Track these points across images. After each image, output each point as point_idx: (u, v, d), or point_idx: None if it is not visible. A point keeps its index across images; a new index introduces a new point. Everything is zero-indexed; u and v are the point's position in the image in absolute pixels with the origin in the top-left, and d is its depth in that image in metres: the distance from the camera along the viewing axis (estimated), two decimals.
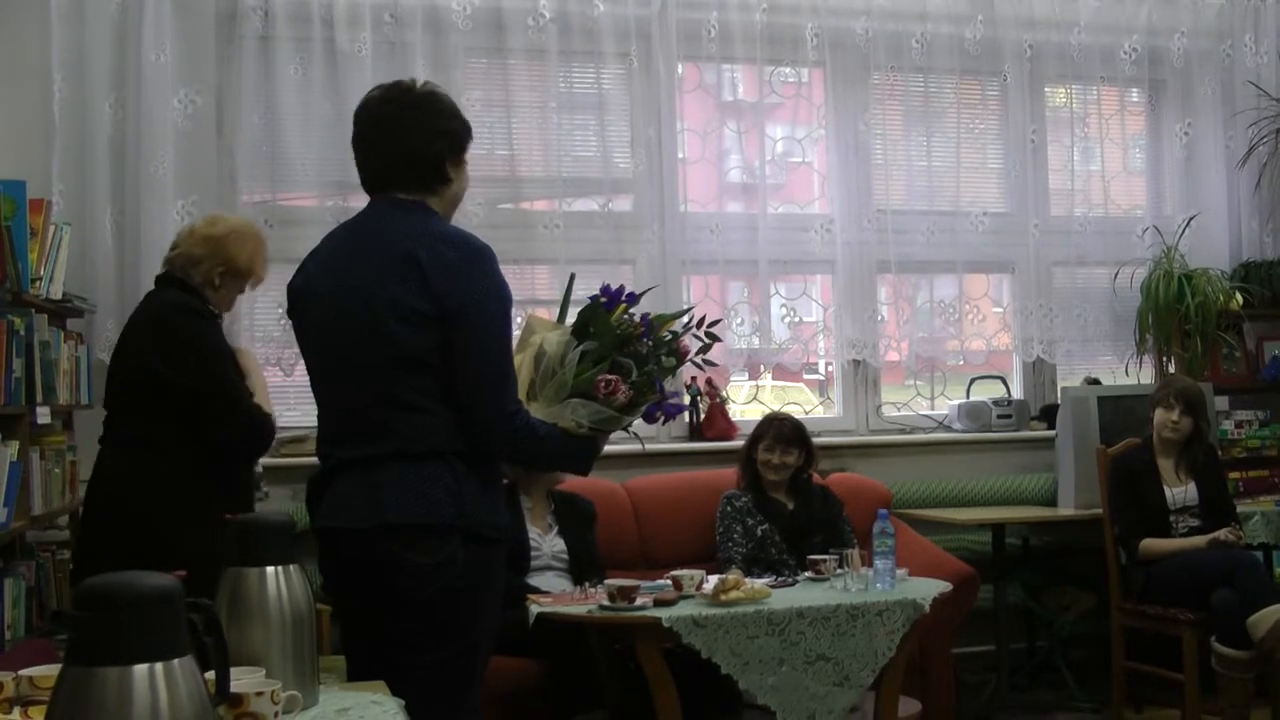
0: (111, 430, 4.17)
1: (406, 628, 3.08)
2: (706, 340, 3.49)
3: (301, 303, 3.32)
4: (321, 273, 3.28)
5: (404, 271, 3.07)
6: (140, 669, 1.59)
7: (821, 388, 7.27)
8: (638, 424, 3.35)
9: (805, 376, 7.26)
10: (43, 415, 4.43)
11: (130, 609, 1.61)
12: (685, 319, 3.46)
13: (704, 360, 3.50)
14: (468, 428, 3.11)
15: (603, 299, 3.29)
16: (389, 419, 3.08)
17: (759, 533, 5.60)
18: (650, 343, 3.31)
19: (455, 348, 3.08)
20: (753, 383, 7.09)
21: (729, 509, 5.69)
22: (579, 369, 3.22)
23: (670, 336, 3.37)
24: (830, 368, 7.14)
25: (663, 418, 3.37)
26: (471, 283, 3.10)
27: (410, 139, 3.21)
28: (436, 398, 3.10)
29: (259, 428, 4.12)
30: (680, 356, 3.38)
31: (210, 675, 1.81)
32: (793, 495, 5.76)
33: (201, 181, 5.65)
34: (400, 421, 3.08)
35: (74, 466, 5.11)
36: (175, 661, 1.62)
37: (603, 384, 3.19)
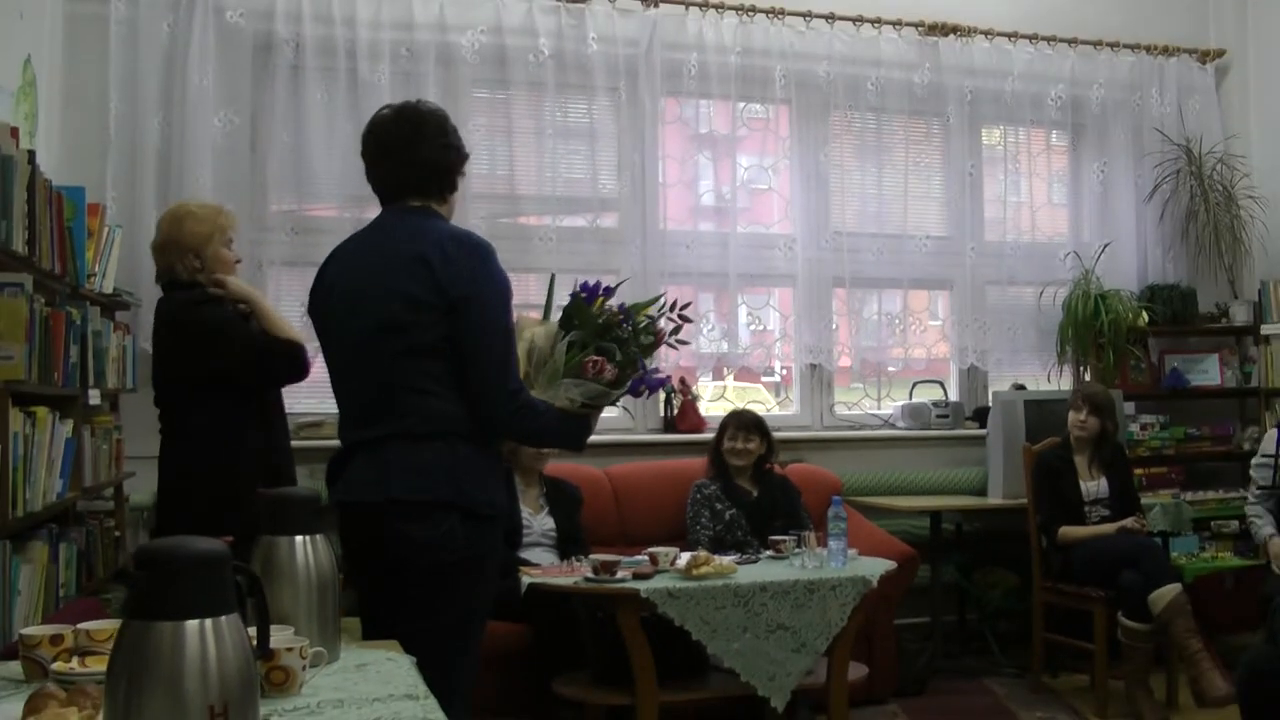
0: (167, 422, 4.08)
1: (412, 594, 3.04)
2: (679, 321, 3.46)
3: (322, 301, 3.29)
4: (341, 274, 3.25)
5: (414, 270, 3.05)
6: (192, 624, 1.55)
7: (778, 388, 7.24)
8: (625, 402, 3.40)
9: (763, 379, 7.24)
10: (94, 397, 4.35)
11: (184, 570, 1.57)
12: (659, 304, 3.44)
13: (676, 340, 3.46)
14: (475, 407, 3.08)
15: (582, 294, 3.29)
16: (398, 403, 3.05)
17: (727, 516, 5.59)
18: (630, 327, 3.30)
19: (462, 334, 3.05)
20: (717, 383, 7.06)
21: (699, 496, 5.67)
22: (568, 355, 3.21)
23: (647, 321, 3.37)
24: (786, 371, 7.12)
25: (647, 391, 3.35)
26: (475, 275, 3.07)
27: (422, 151, 3.19)
28: (444, 383, 3.06)
29: (285, 354, 3.95)
30: (658, 336, 3.36)
31: (252, 631, 1.76)
32: (756, 483, 5.75)
33: (236, 192, 5.58)
34: (408, 405, 3.05)
35: (119, 444, 5.04)
36: (223, 618, 1.58)
37: (590, 364, 3.18)
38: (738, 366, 6.88)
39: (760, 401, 7.12)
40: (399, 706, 2.09)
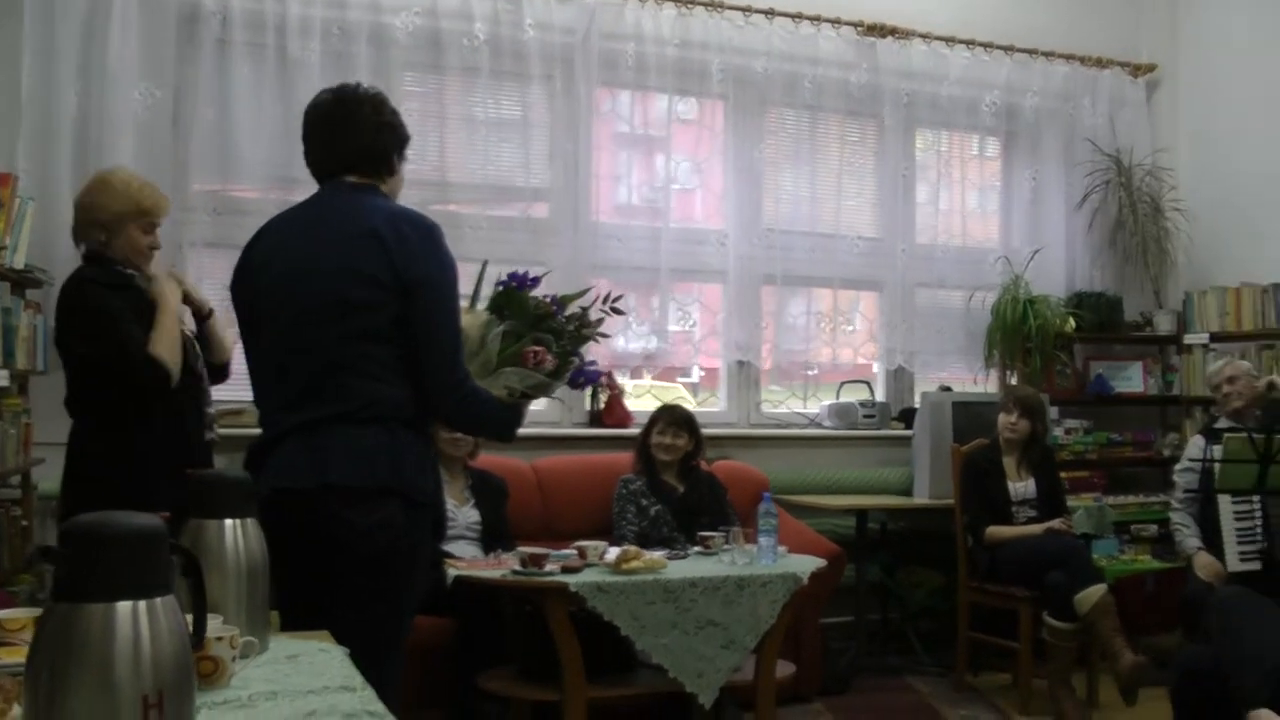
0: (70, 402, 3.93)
1: (346, 583, 2.91)
2: (611, 313, 3.43)
3: (251, 279, 3.13)
4: (278, 250, 3.10)
5: (367, 246, 2.93)
6: (124, 605, 1.42)
7: (695, 389, 7.17)
8: (560, 394, 3.31)
9: (679, 380, 7.17)
10: (1, 378, 4.17)
11: (115, 547, 1.44)
12: (590, 297, 3.42)
13: (599, 334, 3.39)
14: (422, 392, 2.97)
15: (513, 284, 3.23)
16: (341, 385, 2.92)
17: (653, 512, 5.51)
18: (564, 318, 3.25)
19: (414, 317, 2.94)
20: (637, 382, 6.96)
21: (625, 491, 5.59)
22: (502, 345, 3.13)
23: (580, 311, 3.32)
24: (704, 373, 7.09)
25: (585, 382, 3.29)
26: (429, 257, 2.97)
27: (363, 134, 3.09)
28: (386, 365, 2.95)
29: (141, 371, 3.72)
30: (591, 327, 3.31)
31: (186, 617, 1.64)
32: (683, 479, 5.67)
33: (157, 169, 5.36)
34: (351, 388, 2.92)
35: (29, 429, 4.84)
36: (158, 600, 1.46)
37: (531, 354, 3.12)
38: (666, 362, 6.80)
39: (682, 399, 7.04)
40: (335, 698, 1.98)
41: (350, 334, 2.93)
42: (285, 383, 3.02)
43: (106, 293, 3.77)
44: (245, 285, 3.17)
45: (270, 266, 3.08)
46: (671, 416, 5.72)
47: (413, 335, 2.95)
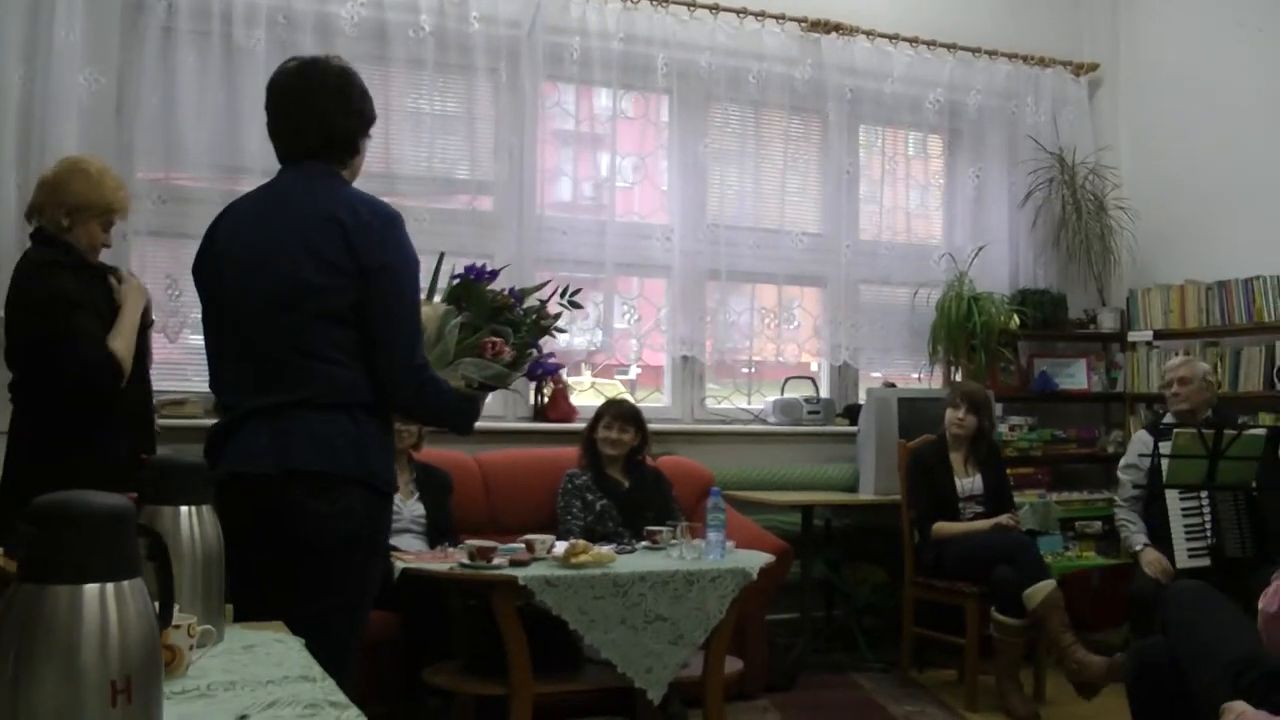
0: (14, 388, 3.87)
1: (306, 573, 2.86)
2: (570, 307, 3.44)
3: (215, 263, 3.05)
4: (238, 233, 3.02)
5: (326, 231, 2.87)
6: (91, 588, 1.38)
7: (632, 386, 7.15)
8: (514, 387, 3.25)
9: (617, 377, 7.15)
10: None
11: (83, 527, 1.39)
12: (547, 290, 3.38)
13: (555, 328, 3.37)
14: (380, 380, 2.93)
15: (470, 276, 3.20)
16: (302, 369, 2.86)
17: (598, 507, 5.49)
18: (521, 310, 3.23)
19: (373, 304, 2.89)
20: (575, 379, 6.92)
21: (570, 486, 5.57)
22: (460, 337, 3.10)
23: (539, 304, 3.30)
24: (641, 370, 7.07)
25: (543, 374, 3.28)
26: (389, 244, 2.92)
27: (327, 113, 3.00)
28: (350, 352, 2.90)
29: (92, 367, 3.70)
30: (549, 319, 3.29)
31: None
32: (628, 474, 5.65)
33: (101, 155, 5.14)
34: (313, 373, 2.86)
35: None
36: (125, 583, 1.41)
37: (489, 345, 3.09)
38: (611, 358, 6.78)
39: (622, 395, 7.01)
40: (296, 688, 1.93)
41: (313, 318, 2.87)
42: (246, 367, 2.96)
43: (68, 276, 3.74)
44: (206, 268, 3.09)
45: (231, 250, 3.01)
46: (618, 411, 5.71)
47: (371, 322, 2.90)
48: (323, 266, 2.86)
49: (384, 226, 2.93)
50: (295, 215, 2.93)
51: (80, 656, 1.36)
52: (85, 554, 1.39)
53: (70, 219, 3.83)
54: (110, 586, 1.39)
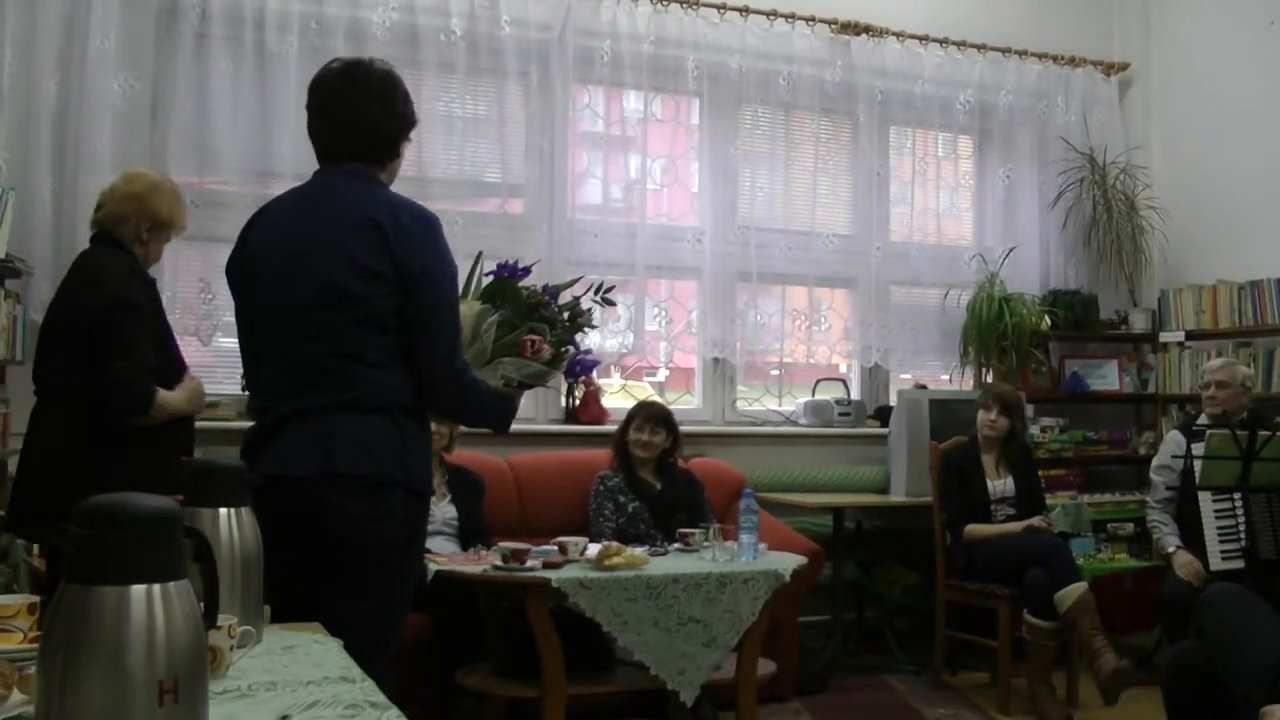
0: (39, 382, 3.90)
1: (344, 575, 2.87)
2: (604, 304, 3.48)
3: (248, 264, 3.06)
4: (275, 236, 3.03)
5: (366, 235, 2.88)
6: (139, 589, 1.40)
7: (661, 389, 7.15)
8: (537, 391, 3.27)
9: (646, 379, 7.15)
10: None
11: (131, 529, 1.41)
12: (580, 287, 3.44)
13: (590, 324, 3.44)
14: (422, 383, 2.94)
15: (504, 274, 3.23)
16: (344, 372, 2.88)
17: (630, 509, 5.49)
18: (556, 307, 3.26)
19: (414, 309, 2.90)
20: (604, 380, 6.91)
21: (602, 488, 5.57)
22: (497, 335, 3.12)
23: (573, 300, 3.33)
24: (669, 373, 7.09)
25: (581, 370, 3.29)
26: (429, 249, 2.93)
27: (372, 114, 3.02)
28: (391, 355, 2.91)
29: (127, 389, 3.73)
30: (584, 316, 3.33)
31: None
32: (660, 476, 5.65)
33: (135, 160, 5.34)
34: (355, 376, 2.88)
35: (6, 419, 4.78)
36: (172, 584, 1.43)
37: (529, 343, 3.12)
38: (642, 359, 6.79)
39: (652, 399, 7.02)
40: (336, 689, 1.95)
41: (352, 322, 2.88)
42: (282, 369, 2.97)
43: (139, 290, 3.83)
44: (242, 270, 3.10)
45: (267, 252, 3.02)
46: (649, 413, 5.69)
47: (412, 326, 2.92)
48: (362, 272, 2.87)
49: (423, 231, 2.94)
50: (332, 218, 2.94)
51: (127, 657, 1.38)
52: (132, 555, 1.40)
53: (150, 234, 3.95)
54: (157, 588, 1.41)
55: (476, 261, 3.33)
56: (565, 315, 3.27)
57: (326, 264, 2.89)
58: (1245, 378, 5.73)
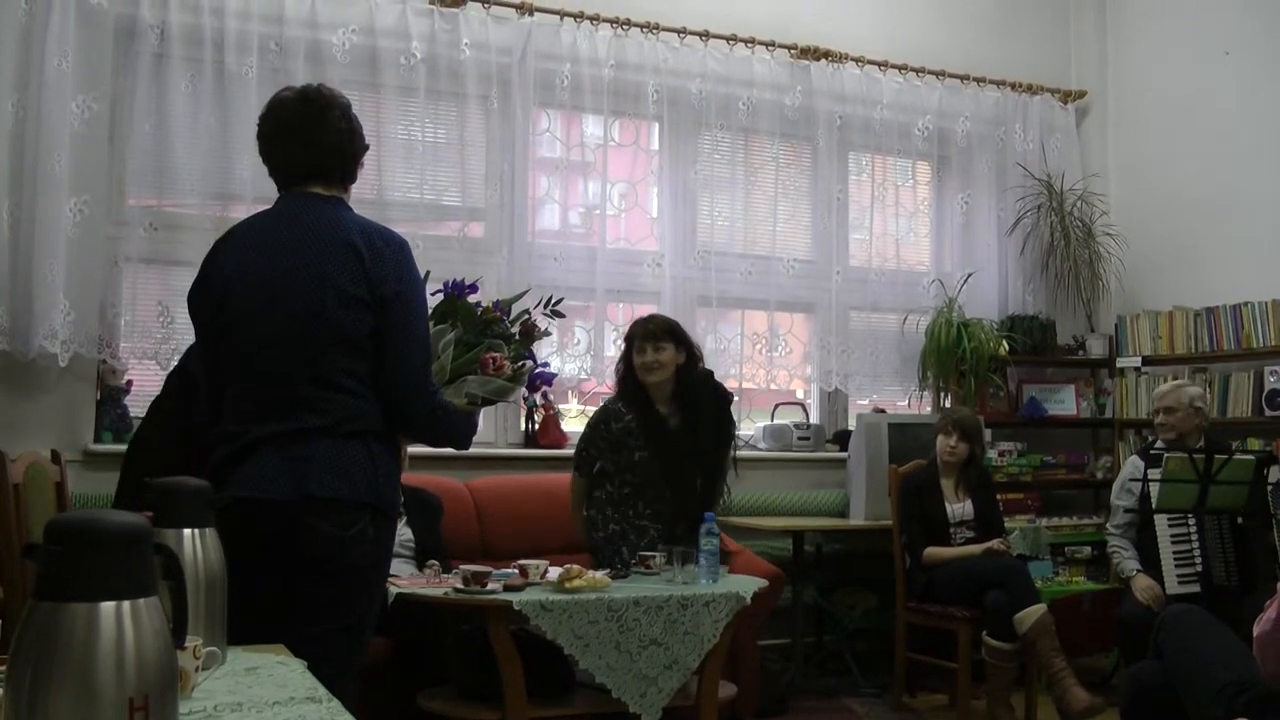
0: None
1: (313, 597, 2.88)
2: (552, 316, 3.54)
3: (222, 289, 3.04)
4: (248, 259, 3.02)
5: (344, 258, 2.91)
6: (108, 606, 1.39)
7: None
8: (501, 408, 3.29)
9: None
10: None
11: (101, 546, 1.41)
12: (528, 299, 3.51)
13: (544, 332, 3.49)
14: (393, 405, 2.97)
15: (452, 292, 3.27)
16: (319, 398, 2.89)
17: (636, 458, 5.06)
18: (508, 323, 3.29)
19: (388, 331, 2.93)
20: (561, 406, 6.89)
21: (603, 429, 5.11)
22: (455, 354, 3.15)
23: (525, 314, 3.38)
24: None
25: (541, 383, 3.35)
26: (404, 272, 2.97)
27: (326, 134, 3.04)
28: (363, 380, 2.94)
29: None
30: (537, 329, 3.38)
31: None
32: (679, 407, 5.12)
33: (93, 182, 5.35)
34: (329, 401, 2.90)
35: None
36: (142, 601, 1.42)
37: (490, 361, 3.15)
38: (603, 384, 6.76)
39: None
40: (302, 709, 1.95)
41: (328, 345, 2.90)
42: (253, 394, 2.97)
43: None
44: (209, 295, 3.08)
45: (241, 278, 3.01)
46: (647, 329, 5.10)
47: (384, 348, 2.94)
48: (340, 295, 2.88)
49: (396, 254, 2.97)
50: (308, 241, 2.94)
51: (98, 674, 1.38)
52: (102, 572, 1.40)
53: None
54: (127, 604, 1.41)
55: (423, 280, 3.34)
56: (515, 330, 3.31)
57: (304, 287, 2.90)
58: (1193, 398, 5.78)
